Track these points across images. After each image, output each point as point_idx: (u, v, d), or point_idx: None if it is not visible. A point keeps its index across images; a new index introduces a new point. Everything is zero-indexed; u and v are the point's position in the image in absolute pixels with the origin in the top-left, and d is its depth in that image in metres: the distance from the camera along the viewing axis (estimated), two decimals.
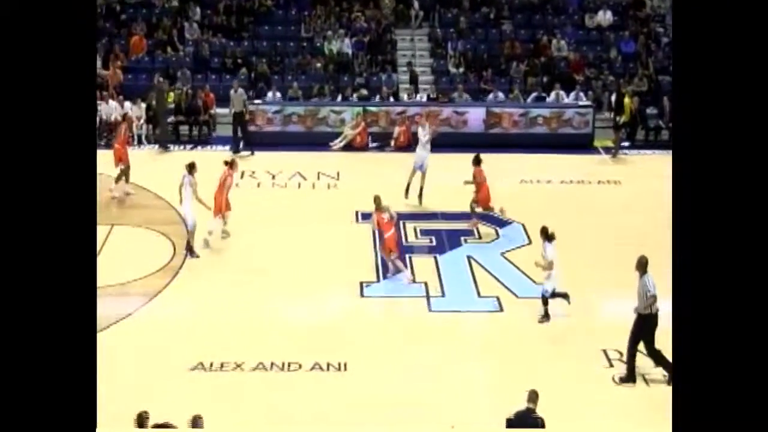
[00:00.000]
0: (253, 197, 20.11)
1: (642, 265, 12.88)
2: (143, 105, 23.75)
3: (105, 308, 15.25)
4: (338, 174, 21.28)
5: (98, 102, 23.83)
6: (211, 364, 13.69)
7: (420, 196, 19.34)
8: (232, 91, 23.56)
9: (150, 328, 14.87)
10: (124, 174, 19.74)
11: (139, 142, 23.54)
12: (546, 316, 14.75)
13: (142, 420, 10.64)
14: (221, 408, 12.43)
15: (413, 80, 26.12)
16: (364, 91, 25.36)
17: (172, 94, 24.79)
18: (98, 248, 17.31)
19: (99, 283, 15.62)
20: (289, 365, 13.63)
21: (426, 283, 16.19)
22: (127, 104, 23.75)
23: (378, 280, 16.26)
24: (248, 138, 23.23)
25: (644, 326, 12.80)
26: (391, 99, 25.21)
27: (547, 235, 14.57)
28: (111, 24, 27.80)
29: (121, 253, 16.89)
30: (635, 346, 12.95)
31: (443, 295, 15.88)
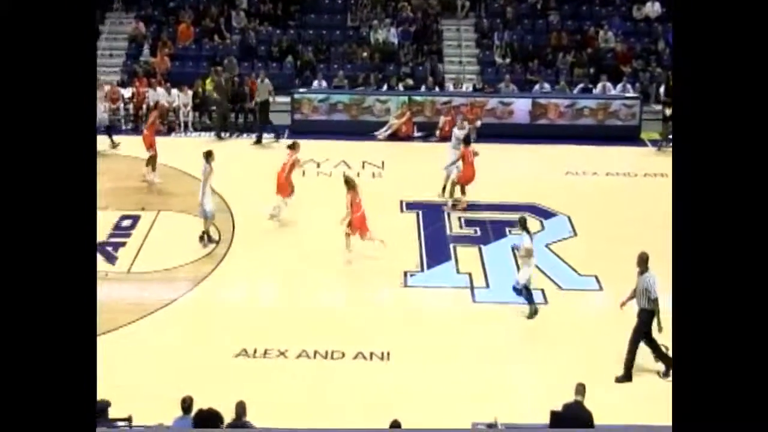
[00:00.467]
0: (298, 185, 20.13)
1: (643, 262, 12.79)
2: (190, 92, 23.90)
3: (151, 293, 15.57)
4: (383, 163, 21.26)
5: (146, 89, 24.10)
6: (255, 351, 13.79)
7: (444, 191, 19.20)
8: (258, 80, 23.74)
9: (195, 313, 15.00)
10: (152, 161, 19.93)
11: (186, 129, 23.69)
12: (534, 311, 14.51)
13: (187, 405, 10.75)
14: (265, 395, 12.48)
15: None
16: (410, 81, 25.31)
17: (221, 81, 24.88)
18: (145, 233, 17.54)
19: (146, 268, 16.15)
20: (332, 354, 13.67)
21: (470, 274, 16.14)
22: (174, 91, 23.89)
23: (422, 270, 16.23)
24: (264, 126, 23.44)
25: (647, 321, 12.71)
26: (437, 89, 25.11)
27: (524, 227, 14.53)
28: (159, 12, 28.02)
29: (167, 239, 17.05)
30: (637, 345, 12.85)
31: (487, 287, 15.82)
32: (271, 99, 23.30)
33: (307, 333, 14.12)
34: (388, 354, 13.73)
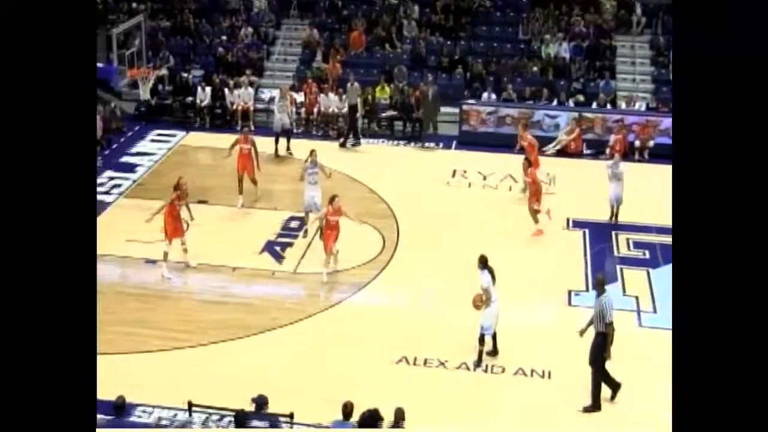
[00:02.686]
0: (463, 197, 20.10)
1: (600, 284, 12.69)
2: (360, 99, 24.21)
3: (315, 295, 15.81)
4: (550, 179, 20.93)
5: (318, 94, 24.59)
6: (415, 359, 13.81)
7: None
8: (348, 84, 23.96)
9: (357, 317, 15.14)
10: None
11: (356, 136, 24.00)
12: (479, 361, 13.66)
13: (348, 411, 10.84)
14: (423, 403, 12.48)
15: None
16: (581, 97, 24.82)
17: (387, 89, 25.16)
18: (311, 238, 17.83)
19: (311, 269, 16.41)
20: (492, 368, 13.56)
21: (637, 297, 15.67)
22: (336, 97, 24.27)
23: (587, 290, 15.85)
24: (356, 131, 23.59)
25: (602, 345, 12.45)
26: (608, 106, 24.54)
27: (483, 264, 13.59)
28: (333, 19, 28.56)
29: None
30: (601, 370, 12.57)
31: (654, 311, 15.31)
32: (359, 103, 23.60)
33: (468, 345, 13.99)
34: (549, 373, 13.49)
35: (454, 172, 21.26)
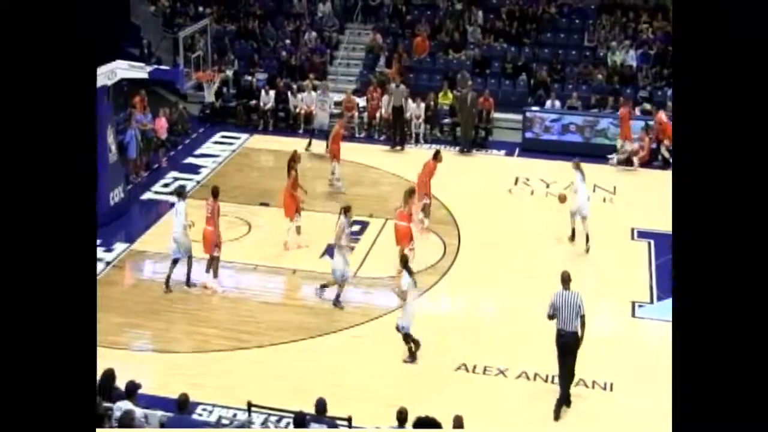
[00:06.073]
0: (526, 204, 19.92)
1: (565, 281, 12.64)
2: (423, 105, 24.17)
3: (375, 299, 15.79)
4: (614, 188, 20.63)
5: (381, 99, 24.59)
6: (475, 367, 13.72)
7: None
8: (393, 85, 24.04)
9: (417, 323, 15.01)
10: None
11: (417, 141, 23.99)
12: (412, 356, 13.88)
13: (402, 417, 10.78)
14: (482, 411, 12.40)
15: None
16: (648, 105, 24.45)
17: (450, 95, 25.06)
18: (372, 240, 17.81)
19: (371, 273, 16.39)
20: (553, 378, 13.36)
21: None
22: (409, 102, 24.22)
23: (651, 302, 15.58)
24: (403, 134, 23.64)
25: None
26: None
27: (405, 264, 13.74)
28: (397, 24, 28.56)
29: (394, 248, 17.23)
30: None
31: None
32: (404, 105, 23.63)
33: (528, 354, 13.88)
34: (611, 385, 13.29)
35: (517, 179, 21.10)
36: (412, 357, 13.93)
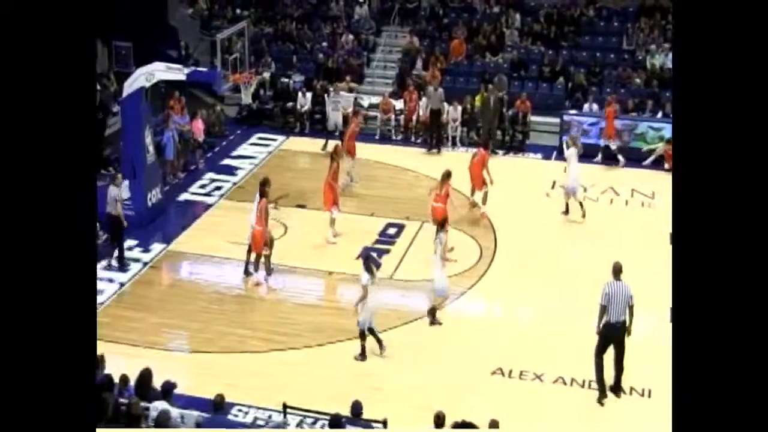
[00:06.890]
0: (560, 208, 19.78)
1: (616, 272, 12.90)
2: (459, 108, 24.08)
3: (411, 303, 15.73)
4: (653, 193, 20.40)
5: (418, 101, 24.52)
6: (511, 371, 13.65)
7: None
8: (431, 88, 23.91)
9: (453, 326, 15.02)
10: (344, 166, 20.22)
11: (454, 144, 23.91)
12: (362, 355, 13.98)
13: (440, 420, 10.75)
14: (518, 416, 12.33)
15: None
16: None
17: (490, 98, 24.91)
18: (409, 243, 17.78)
19: (407, 276, 16.36)
20: (590, 383, 13.26)
21: None
22: (445, 105, 24.14)
23: None
24: (440, 137, 23.63)
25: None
26: None
27: (366, 265, 13.88)
28: (433, 27, 28.49)
29: (430, 251, 17.17)
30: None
31: None
32: (442, 108, 23.62)
33: (565, 359, 13.80)
34: (650, 391, 13.16)
35: (554, 183, 20.95)
36: (363, 356, 14.00)
